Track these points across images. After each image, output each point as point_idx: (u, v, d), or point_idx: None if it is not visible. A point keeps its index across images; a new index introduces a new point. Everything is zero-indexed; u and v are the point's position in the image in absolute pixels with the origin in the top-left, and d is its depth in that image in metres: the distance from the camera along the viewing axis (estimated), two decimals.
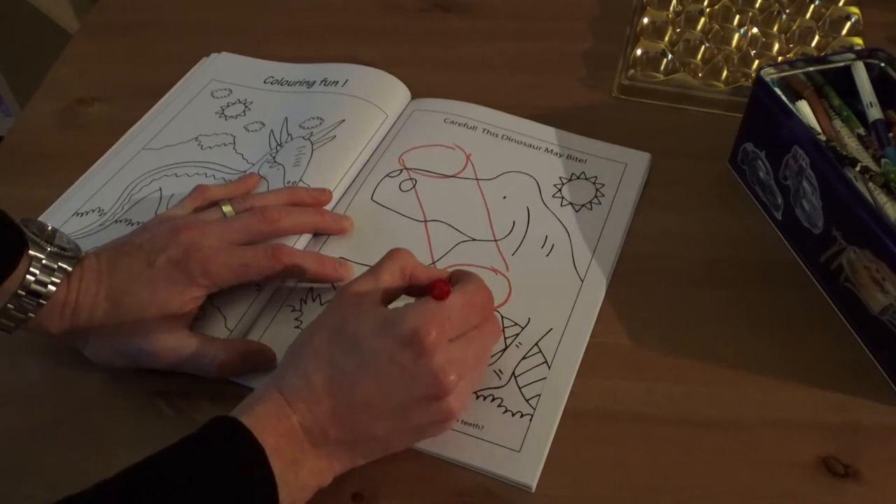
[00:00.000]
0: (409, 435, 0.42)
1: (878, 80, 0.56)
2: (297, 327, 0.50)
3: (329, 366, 0.40)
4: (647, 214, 0.57)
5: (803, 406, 0.46)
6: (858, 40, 0.68)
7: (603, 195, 0.58)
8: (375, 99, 0.63)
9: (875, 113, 0.54)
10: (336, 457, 0.40)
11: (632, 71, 0.67)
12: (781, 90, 0.54)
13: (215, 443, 0.37)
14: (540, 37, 0.73)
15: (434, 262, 0.54)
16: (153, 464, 0.36)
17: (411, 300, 0.44)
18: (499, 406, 0.46)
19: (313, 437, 0.39)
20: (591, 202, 0.58)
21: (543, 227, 0.56)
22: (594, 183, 0.59)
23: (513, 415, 0.46)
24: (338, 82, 0.65)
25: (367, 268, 0.53)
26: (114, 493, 0.35)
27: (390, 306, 0.43)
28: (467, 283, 0.43)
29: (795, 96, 0.56)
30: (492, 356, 0.48)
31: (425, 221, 0.56)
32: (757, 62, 0.67)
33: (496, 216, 0.57)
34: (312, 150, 0.59)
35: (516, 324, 0.50)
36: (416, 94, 0.66)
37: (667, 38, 0.69)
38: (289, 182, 0.56)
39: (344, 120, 0.61)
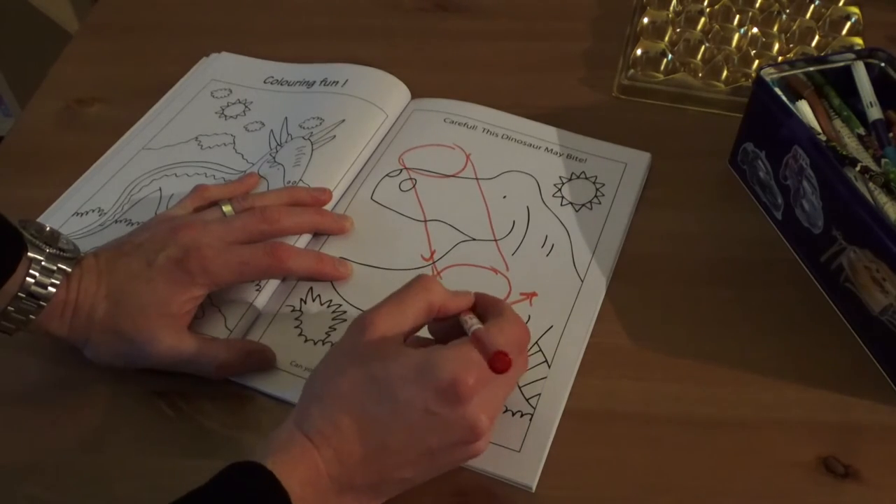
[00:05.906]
0: (433, 473, 0.41)
1: (878, 80, 0.56)
2: (297, 327, 0.50)
3: (359, 412, 0.38)
4: (647, 214, 0.57)
5: (803, 406, 0.46)
6: (858, 40, 0.68)
7: (603, 195, 0.58)
8: (375, 99, 0.63)
9: (875, 113, 0.54)
10: (358, 500, 0.39)
11: (632, 71, 0.67)
12: (781, 90, 0.54)
13: (239, 489, 0.36)
14: (540, 37, 0.73)
15: (434, 262, 0.54)
16: None
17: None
18: None
19: (339, 484, 0.38)
20: (591, 202, 0.58)
21: (543, 227, 0.56)
22: (594, 183, 0.59)
23: (513, 414, 0.45)
24: (338, 82, 0.65)
25: (367, 267, 0.53)
26: None
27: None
28: (503, 321, 0.41)
29: (795, 96, 0.56)
30: None
31: (425, 221, 0.56)
32: (757, 62, 0.67)
33: (496, 216, 0.57)
34: (312, 149, 0.59)
35: None
36: (416, 94, 0.66)
37: (667, 38, 0.69)
38: (289, 182, 0.56)
39: (344, 120, 0.61)
